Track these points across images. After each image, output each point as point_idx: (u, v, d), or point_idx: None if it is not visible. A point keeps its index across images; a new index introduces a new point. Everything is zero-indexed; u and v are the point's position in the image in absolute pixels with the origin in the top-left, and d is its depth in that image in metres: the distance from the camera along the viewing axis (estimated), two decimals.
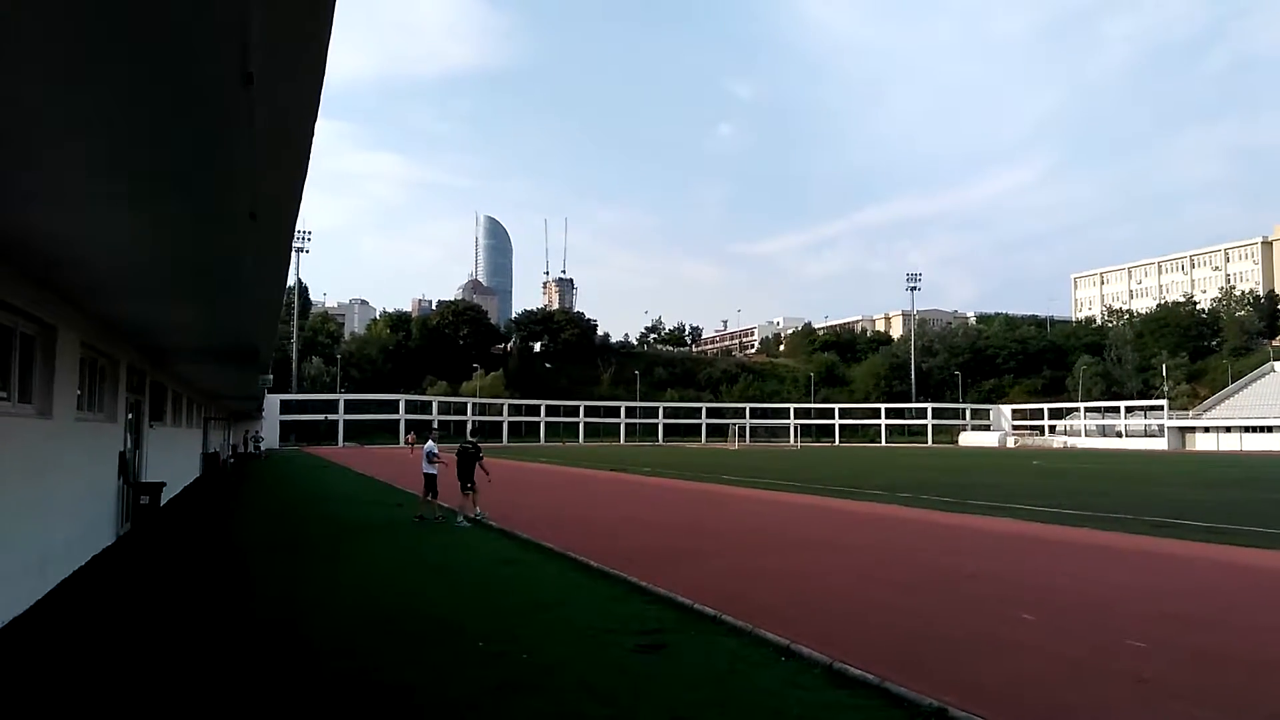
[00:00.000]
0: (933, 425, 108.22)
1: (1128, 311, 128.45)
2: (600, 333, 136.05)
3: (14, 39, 3.13)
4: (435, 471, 16.66)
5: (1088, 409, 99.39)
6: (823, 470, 37.44)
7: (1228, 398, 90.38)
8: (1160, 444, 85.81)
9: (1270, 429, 79.31)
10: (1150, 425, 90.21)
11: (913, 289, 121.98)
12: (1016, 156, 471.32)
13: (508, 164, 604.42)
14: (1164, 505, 20.04)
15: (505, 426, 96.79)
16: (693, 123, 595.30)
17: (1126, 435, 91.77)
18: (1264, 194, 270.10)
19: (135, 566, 11.34)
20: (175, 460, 22.07)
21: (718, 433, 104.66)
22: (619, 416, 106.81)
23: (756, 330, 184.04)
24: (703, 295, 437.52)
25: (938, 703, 5.38)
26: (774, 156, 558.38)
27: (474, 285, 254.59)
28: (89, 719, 5.45)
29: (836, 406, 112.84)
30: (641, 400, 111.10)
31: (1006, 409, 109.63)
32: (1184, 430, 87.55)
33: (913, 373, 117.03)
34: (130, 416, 14.80)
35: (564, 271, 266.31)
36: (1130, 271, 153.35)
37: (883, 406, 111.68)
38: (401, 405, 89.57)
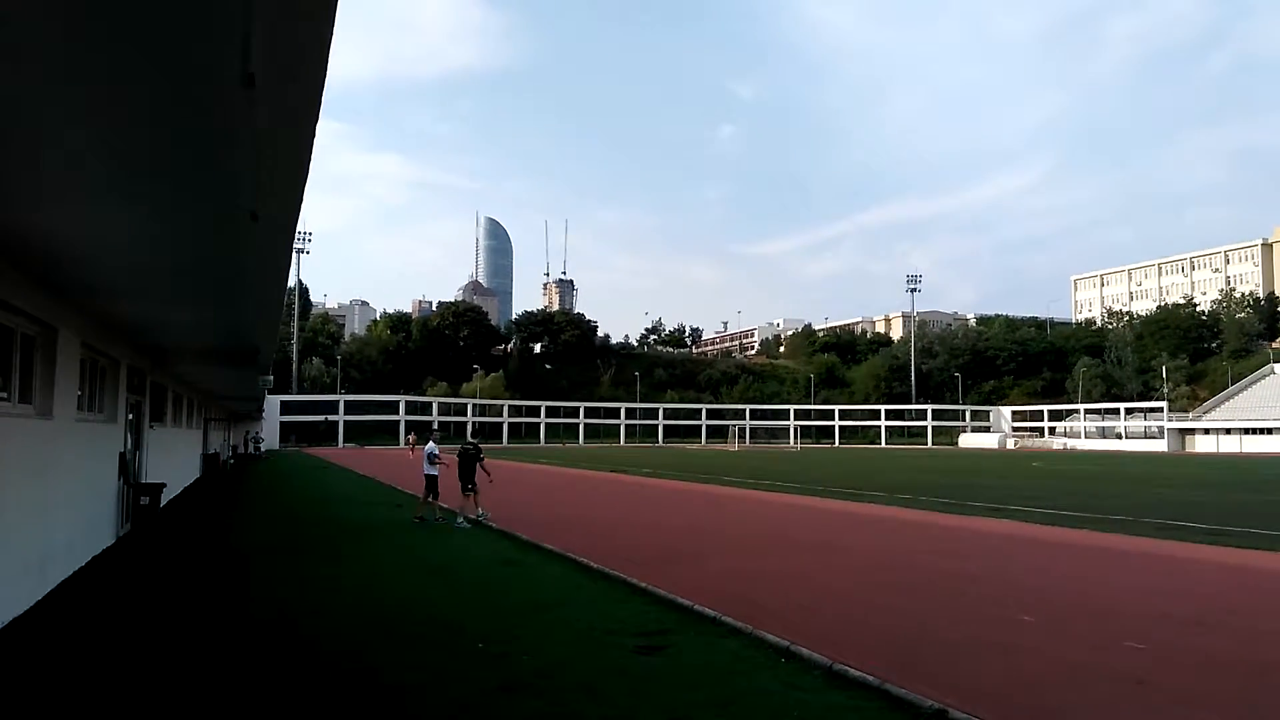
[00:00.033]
0: (933, 427, 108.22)
1: (1128, 313, 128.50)
2: (600, 334, 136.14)
3: (14, 38, 3.14)
4: (436, 473, 16.67)
5: (1088, 411, 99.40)
6: (823, 472, 37.43)
7: (1227, 400, 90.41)
8: (1160, 446, 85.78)
9: (1270, 431, 79.31)
10: (1150, 427, 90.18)
11: (913, 290, 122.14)
12: (1018, 158, 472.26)
13: (508, 165, 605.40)
14: (1164, 507, 20.04)
15: (505, 428, 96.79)
16: (694, 123, 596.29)
17: (1126, 437, 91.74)
18: (1264, 196, 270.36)
19: (135, 567, 11.34)
20: (175, 461, 22.07)
21: (718, 434, 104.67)
22: (619, 418, 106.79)
23: (756, 331, 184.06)
24: (703, 296, 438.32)
25: (938, 704, 5.38)
26: (775, 157, 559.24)
27: (474, 286, 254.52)
28: (90, 719, 5.45)
29: (836, 408, 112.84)
30: (641, 401, 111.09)
31: (1006, 411, 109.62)
32: (1184, 432, 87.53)
33: (913, 374, 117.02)
34: (130, 417, 14.80)
35: (564, 272, 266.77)
36: (1130, 273, 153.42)
37: (883, 408, 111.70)
38: (401, 406, 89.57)
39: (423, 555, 12.41)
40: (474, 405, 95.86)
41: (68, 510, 10.09)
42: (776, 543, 13.90)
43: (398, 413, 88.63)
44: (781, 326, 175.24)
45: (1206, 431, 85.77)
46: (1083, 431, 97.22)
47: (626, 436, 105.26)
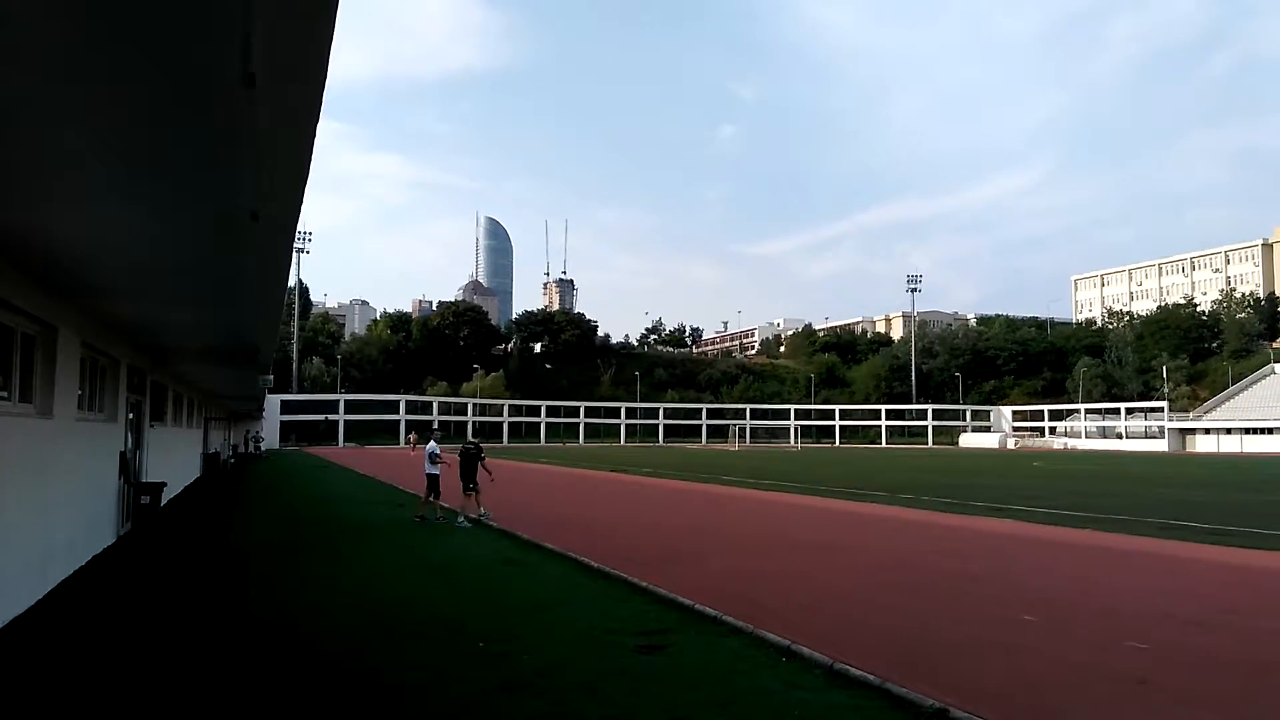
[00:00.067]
0: (933, 426, 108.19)
1: (1128, 313, 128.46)
2: (600, 334, 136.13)
3: (14, 38, 3.13)
4: (438, 472, 16.68)
5: (1088, 411, 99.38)
6: (823, 471, 37.43)
7: (1228, 400, 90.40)
8: (1160, 446, 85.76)
9: (1271, 431, 79.29)
10: (1150, 427, 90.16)
11: (913, 290, 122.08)
12: (1018, 158, 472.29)
13: (508, 165, 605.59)
14: (1165, 507, 20.04)
15: (505, 427, 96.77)
16: (694, 123, 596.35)
17: (1127, 437, 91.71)
18: (1264, 196, 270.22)
19: (136, 566, 11.34)
20: (176, 460, 22.08)
21: (718, 434, 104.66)
22: (619, 417, 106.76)
23: (757, 331, 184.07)
24: (703, 296, 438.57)
25: (939, 704, 5.38)
26: (775, 157, 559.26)
27: (474, 286, 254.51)
28: (91, 719, 5.45)
29: (837, 408, 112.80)
30: (642, 401, 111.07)
31: (1007, 410, 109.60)
32: (1184, 432, 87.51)
33: (913, 374, 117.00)
34: (131, 416, 14.80)
35: (564, 272, 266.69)
36: (1131, 273, 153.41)
37: (883, 408, 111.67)
38: (402, 406, 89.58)
39: (423, 555, 12.41)
40: (474, 405, 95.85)
41: (68, 509, 10.09)
42: (777, 542, 13.90)
43: (398, 412, 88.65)
44: (782, 326, 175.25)
45: (1207, 431, 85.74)
46: (1083, 431, 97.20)
47: (627, 436, 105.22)
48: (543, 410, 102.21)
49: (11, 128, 4.07)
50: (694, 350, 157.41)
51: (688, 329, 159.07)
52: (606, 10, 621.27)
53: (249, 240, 6.27)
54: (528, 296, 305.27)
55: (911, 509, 19.65)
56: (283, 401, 79.23)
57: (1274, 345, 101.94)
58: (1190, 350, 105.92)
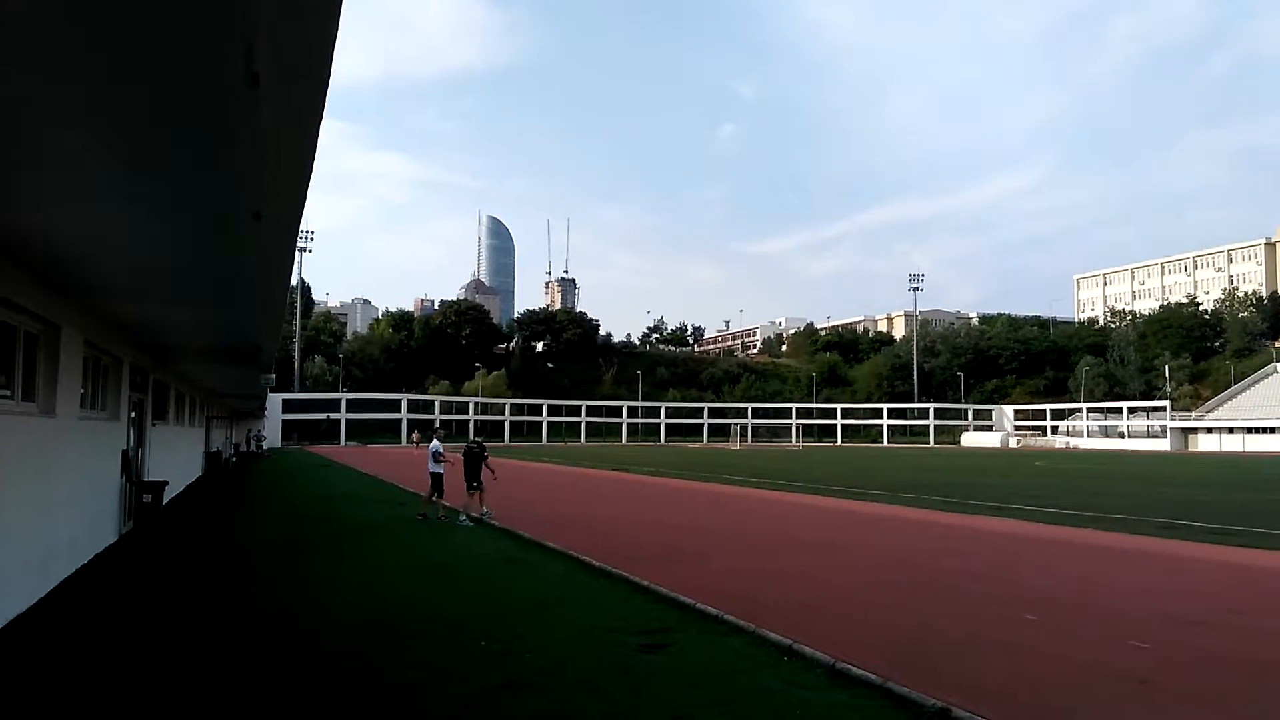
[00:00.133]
0: (935, 426, 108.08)
1: (1130, 312, 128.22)
2: (602, 333, 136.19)
3: (14, 38, 3.14)
4: (441, 470, 16.69)
5: (1090, 410, 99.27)
6: (825, 470, 37.41)
7: (1230, 399, 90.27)
8: (1163, 445, 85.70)
9: (1273, 430, 79.20)
10: (1153, 426, 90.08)
11: (915, 289, 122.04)
12: (1018, 158, 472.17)
13: (510, 164, 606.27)
14: (1166, 506, 20.01)
15: (507, 426, 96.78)
16: (695, 122, 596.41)
17: (1129, 436, 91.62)
18: (1267, 195, 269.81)
19: (138, 565, 11.36)
20: (178, 459, 22.10)
21: (720, 433, 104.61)
22: (621, 416, 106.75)
23: (758, 330, 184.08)
24: (705, 295, 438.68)
25: (941, 703, 5.38)
26: (776, 156, 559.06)
27: (476, 285, 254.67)
28: (92, 718, 5.46)
29: (839, 407, 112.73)
30: (643, 400, 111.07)
31: (1009, 409, 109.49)
32: (1186, 431, 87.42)
33: (915, 373, 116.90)
34: (133, 415, 14.82)
35: (566, 271, 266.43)
36: (1133, 273, 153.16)
37: (885, 407, 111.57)
38: (404, 405, 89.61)
39: (425, 553, 12.41)
40: (476, 404, 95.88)
41: (70, 508, 10.11)
42: (778, 541, 13.89)
43: (400, 411, 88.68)
44: (783, 325, 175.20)
45: (1209, 431, 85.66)
46: (1085, 430, 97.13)
47: (628, 435, 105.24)
48: (544, 409, 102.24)
49: (11, 128, 4.07)
50: (695, 349, 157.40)
51: (689, 328, 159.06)
52: (607, 9, 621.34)
53: (251, 240, 6.28)
54: (529, 295, 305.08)
55: (913, 508, 19.64)
56: (285, 400, 79.30)
57: (1277, 344, 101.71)
58: (1193, 349, 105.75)
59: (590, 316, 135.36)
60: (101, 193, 5.22)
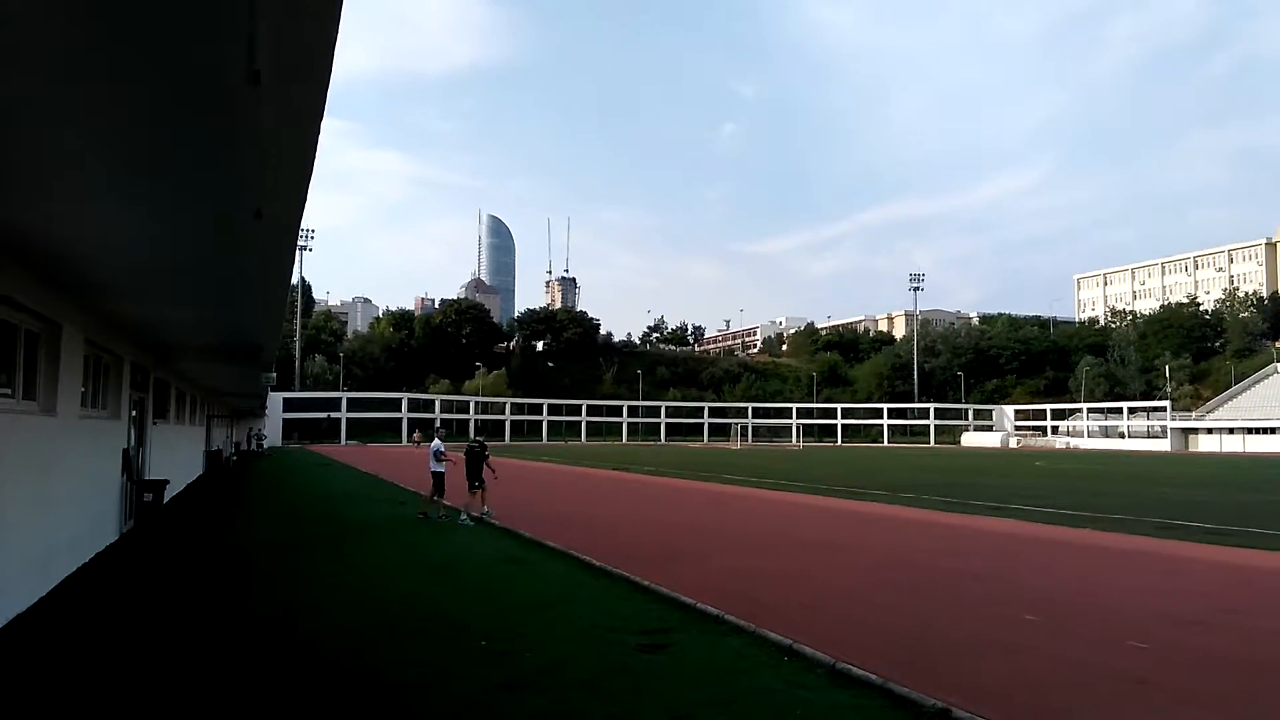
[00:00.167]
0: (935, 425, 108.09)
1: (1131, 312, 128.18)
2: (603, 332, 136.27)
3: (14, 38, 3.14)
4: (443, 469, 16.70)
5: (1090, 410, 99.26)
6: (825, 470, 37.42)
7: (1231, 399, 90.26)
8: (1163, 445, 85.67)
9: (1273, 430, 79.14)
10: (1153, 426, 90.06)
11: (916, 289, 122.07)
12: (1019, 158, 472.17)
13: (510, 163, 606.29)
14: (1166, 506, 20.02)
15: (508, 425, 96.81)
16: (696, 122, 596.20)
17: (1129, 436, 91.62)
18: (1267, 195, 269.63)
19: (138, 564, 11.36)
20: (178, 458, 22.11)
21: (720, 432, 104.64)
22: (621, 416, 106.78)
23: (759, 330, 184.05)
24: (705, 295, 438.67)
25: (941, 703, 5.38)
26: (777, 156, 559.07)
27: (477, 284, 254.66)
28: (93, 717, 5.47)
29: (839, 406, 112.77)
30: (644, 400, 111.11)
31: (1009, 409, 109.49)
32: (1187, 432, 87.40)
33: (915, 373, 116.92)
34: (134, 414, 14.82)
35: (566, 270, 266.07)
36: (1134, 273, 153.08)
37: (885, 407, 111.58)
38: (404, 404, 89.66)
39: (425, 553, 12.42)
40: (476, 403, 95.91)
41: (71, 507, 10.11)
42: (779, 541, 13.90)
43: (400, 410, 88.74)
44: (784, 325, 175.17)
45: (1209, 431, 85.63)
46: (1085, 431, 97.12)
47: (629, 435, 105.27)
48: (545, 408, 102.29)
49: (11, 128, 4.07)
50: (696, 349, 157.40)
51: (690, 327, 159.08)
52: (608, 8, 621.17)
53: (251, 240, 6.28)
54: (530, 294, 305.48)
55: (913, 508, 19.64)
56: (285, 399, 79.36)
57: (1277, 345, 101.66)
58: (1193, 349, 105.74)
59: (591, 316, 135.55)
60: (101, 192, 5.23)
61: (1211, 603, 9.11)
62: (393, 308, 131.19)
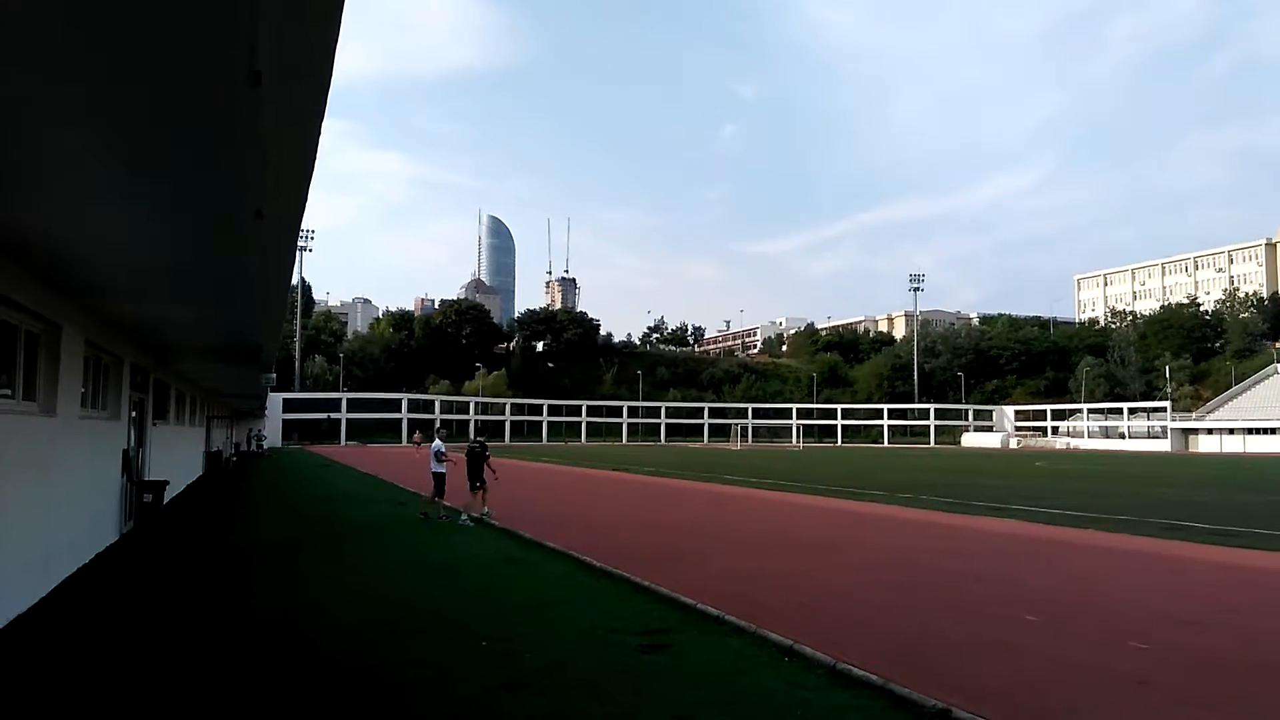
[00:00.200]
0: (935, 426, 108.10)
1: (1131, 313, 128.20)
2: (603, 333, 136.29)
3: (14, 38, 3.13)
4: (444, 470, 16.70)
5: (1090, 410, 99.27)
6: (825, 471, 37.42)
7: (1231, 400, 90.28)
8: (1163, 446, 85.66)
9: (1274, 431, 79.16)
10: (1153, 427, 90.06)
11: (916, 290, 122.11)
12: (1019, 158, 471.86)
13: (510, 163, 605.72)
14: (1166, 507, 20.02)
15: (508, 426, 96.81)
16: (696, 123, 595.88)
17: (1129, 437, 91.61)
18: (1267, 196, 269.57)
19: (138, 564, 11.36)
20: (178, 458, 22.11)
21: (720, 433, 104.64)
22: (621, 416, 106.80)
23: (759, 330, 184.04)
24: (705, 295, 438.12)
25: (941, 704, 5.38)
26: (777, 157, 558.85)
27: (477, 284, 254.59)
28: (94, 717, 5.46)
29: (839, 407, 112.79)
30: (644, 400, 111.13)
31: (1009, 410, 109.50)
32: (1187, 432, 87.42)
33: (915, 373, 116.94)
34: (134, 414, 14.83)
35: (566, 271, 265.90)
36: (1134, 273, 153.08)
37: (885, 407, 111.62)
38: (404, 404, 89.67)
39: (425, 553, 12.41)
40: (476, 403, 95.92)
41: (71, 507, 10.11)
42: (779, 542, 13.89)
43: (400, 411, 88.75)
44: (784, 325, 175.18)
45: (1210, 431, 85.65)
46: (1086, 431, 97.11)
47: (629, 435, 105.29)
48: (545, 409, 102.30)
49: (11, 128, 4.07)
50: (696, 349, 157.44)
51: (690, 328, 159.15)
52: (607, 9, 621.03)
53: (252, 240, 6.28)
54: (530, 295, 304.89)
55: (913, 508, 19.64)
56: (285, 400, 79.37)
57: (1277, 345, 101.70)
58: (1193, 350, 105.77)
59: (591, 316, 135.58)
60: (101, 192, 5.22)
61: (1212, 603, 9.10)
62: (393, 308, 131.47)
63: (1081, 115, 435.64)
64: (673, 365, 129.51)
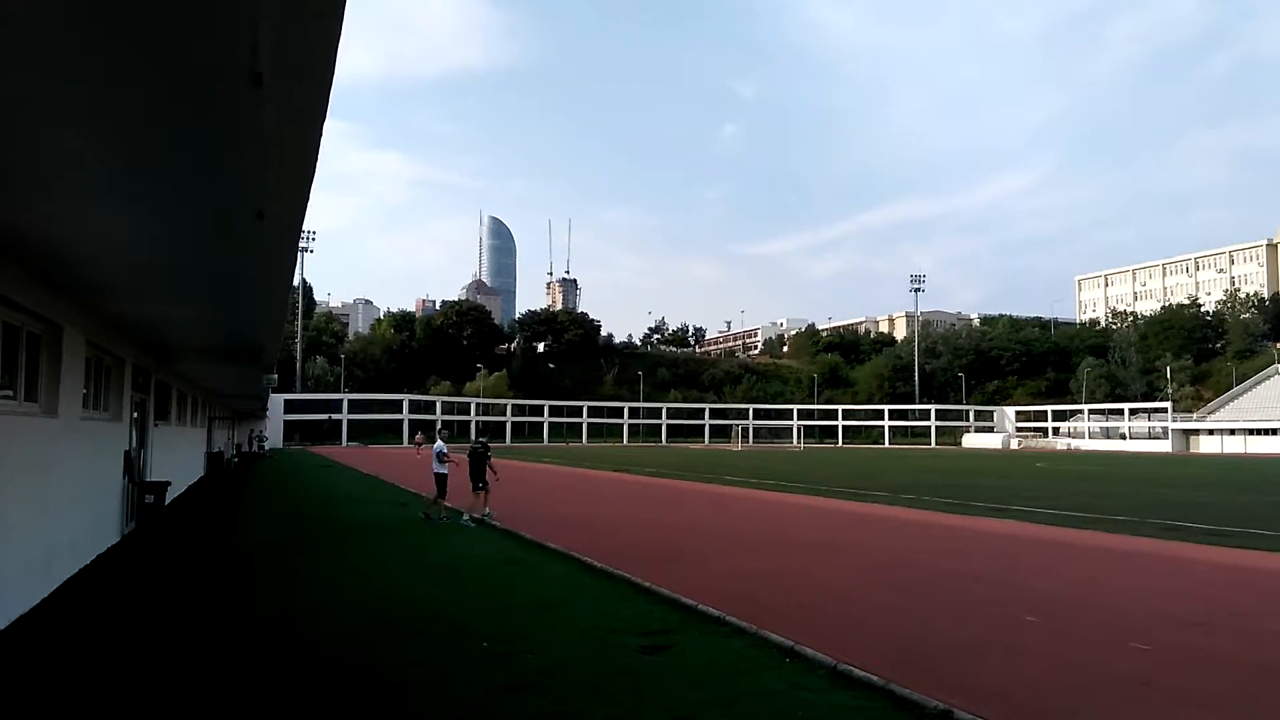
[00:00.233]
0: (936, 427, 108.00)
1: (1132, 314, 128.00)
2: (604, 333, 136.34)
3: (14, 38, 3.13)
4: (446, 471, 16.70)
5: (1091, 411, 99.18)
6: (826, 471, 37.40)
7: (1232, 400, 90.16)
8: (1164, 446, 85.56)
9: (1275, 431, 79.02)
10: (1154, 427, 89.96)
11: (917, 290, 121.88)
12: (1019, 158, 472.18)
13: (511, 164, 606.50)
14: (1168, 507, 20.00)
15: (509, 427, 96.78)
16: (696, 123, 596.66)
17: (1130, 437, 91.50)
18: (1268, 196, 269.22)
19: (140, 565, 11.36)
20: (180, 459, 22.11)
21: (721, 434, 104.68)
22: (622, 417, 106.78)
23: (760, 331, 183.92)
24: (706, 296, 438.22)
25: (943, 704, 5.37)
26: (777, 157, 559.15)
27: (478, 285, 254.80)
28: (95, 718, 5.46)
29: (840, 408, 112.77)
30: (645, 401, 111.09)
31: (1010, 411, 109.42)
32: (1188, 433, 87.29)
33: (916, 374, 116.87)
34: (135, 415, 14.83)
35: (568, 272, 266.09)
36: (1135, 274, 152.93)
37: (886, 408, 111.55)
38: (405, 405, 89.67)
39: (426, 554, 12.41)
40: (477, 404, 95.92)
41: (73, 508, 10.11)
42: (780, 542, 13.89)
43: (401, 412, 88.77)
44: (785, 326, 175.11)
45: (1211, 432, 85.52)
46: (1086, 432, 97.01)
47: (630, 436, 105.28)
48: (546, 410, 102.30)
49: (11, 128, 4.07)
50: (697, 350, 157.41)
51: (691, 329, 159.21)
52: (608, 9, 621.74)
53: (252, 240, 6.28)
54: (531, 296, 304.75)
55: (914, 509, 19.62)
56: (286, 401, 79.36)
57: (1278, 346, 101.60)
58: (1194, 351, 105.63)
59: (591, 317, 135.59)
60: (101, 192, 5.22)
61: (1214, 604, 9.09)
62: (394, 309, 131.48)
63: (1081, 115, 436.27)
64: (673, 366, 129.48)
